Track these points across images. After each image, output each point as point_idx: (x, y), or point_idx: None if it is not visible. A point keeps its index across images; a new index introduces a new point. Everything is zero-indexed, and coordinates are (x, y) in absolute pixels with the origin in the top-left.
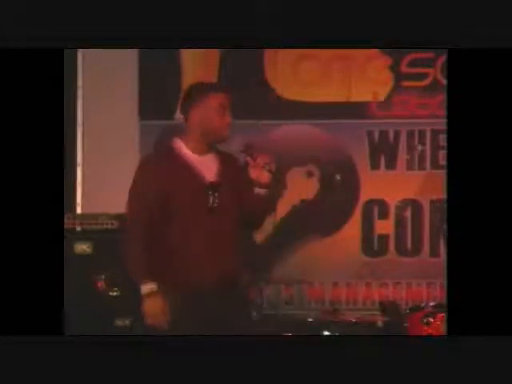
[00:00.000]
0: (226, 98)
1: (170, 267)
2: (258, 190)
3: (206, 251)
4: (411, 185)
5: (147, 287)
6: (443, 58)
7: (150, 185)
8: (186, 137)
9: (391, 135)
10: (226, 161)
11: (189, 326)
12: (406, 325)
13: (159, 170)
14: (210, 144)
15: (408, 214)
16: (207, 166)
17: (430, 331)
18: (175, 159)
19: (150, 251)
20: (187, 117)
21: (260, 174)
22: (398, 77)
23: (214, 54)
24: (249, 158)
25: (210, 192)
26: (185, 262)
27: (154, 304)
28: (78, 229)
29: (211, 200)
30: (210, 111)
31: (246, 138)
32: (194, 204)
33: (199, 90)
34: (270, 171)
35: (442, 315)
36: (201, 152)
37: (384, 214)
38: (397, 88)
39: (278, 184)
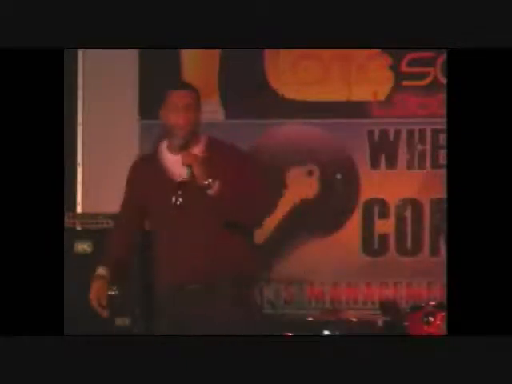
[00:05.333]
0: (188, 97)
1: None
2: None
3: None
4: (411, 184)
5: (98, 270)
6: (443, 58)
7: (132, 187)
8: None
9: (391, 134)
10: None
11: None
12: (406, 324)
13: (141, 171)
14: (181, 143)
15: (408, 213)
16: (180, 165)
17: (431, 330)
18: (155, 159)
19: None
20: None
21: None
22: (398, 76)
23: (213, 54)
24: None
25: (178, 190)
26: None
27: (96, 287)
28: (78, 228)
29: (175, 198)
30: (170, 110)
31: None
32: (163, 202)
33: (165, 90)
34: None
35: (443, 315)
36: (175, 151)
37: (384, 214)
38: (397, 87)
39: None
